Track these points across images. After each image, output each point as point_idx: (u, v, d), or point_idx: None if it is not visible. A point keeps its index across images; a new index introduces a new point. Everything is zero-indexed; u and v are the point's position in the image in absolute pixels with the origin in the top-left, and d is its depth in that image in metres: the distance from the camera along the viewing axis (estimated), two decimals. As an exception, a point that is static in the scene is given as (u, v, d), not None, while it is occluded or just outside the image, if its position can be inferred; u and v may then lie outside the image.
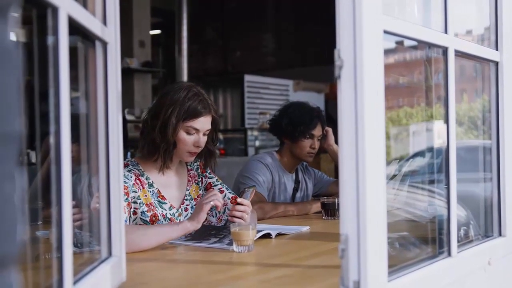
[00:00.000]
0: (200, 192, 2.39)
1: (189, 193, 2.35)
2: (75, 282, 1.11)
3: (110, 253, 1.39)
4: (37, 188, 2.02)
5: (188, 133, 2.19)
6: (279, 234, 2.20)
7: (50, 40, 1.04)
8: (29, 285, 1.15)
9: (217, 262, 1.76)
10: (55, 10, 1.01)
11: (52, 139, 1.03)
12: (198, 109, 2.18)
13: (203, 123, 2.21)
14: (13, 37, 0.58)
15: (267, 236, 2.12)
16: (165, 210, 2.23)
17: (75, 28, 1.14)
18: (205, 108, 2.20)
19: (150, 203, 2.19)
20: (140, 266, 1.73)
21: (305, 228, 2.36)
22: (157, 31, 10.26)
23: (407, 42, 1.56)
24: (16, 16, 0.60)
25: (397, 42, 1.49)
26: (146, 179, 2.23)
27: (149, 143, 2.21)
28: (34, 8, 1.00)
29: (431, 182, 1.96)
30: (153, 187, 2.23)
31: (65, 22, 1.03)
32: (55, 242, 1.05)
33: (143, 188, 2.19)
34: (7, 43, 0.56)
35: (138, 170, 2.21)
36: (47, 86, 1.04)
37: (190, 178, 2.38)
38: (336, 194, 2.94)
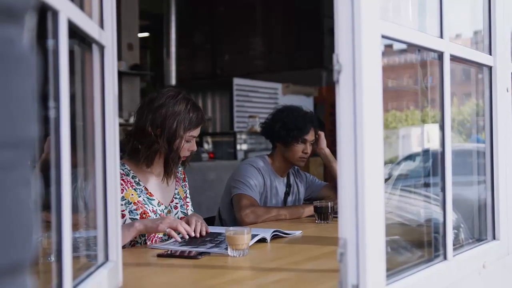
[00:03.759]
0: (185, 194, 2.51)
1: (178, 192, 2.45)
2: (73, 287, 1.10)
3: (107, 258, 1.38)
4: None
5: (188, 141, 2.32)
6: (275, 236, 2.20)
7: (49, 43, 1.03)
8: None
9: (212, 267, 1.75)
10: (55, 13, 1.00)
11: (52, 143, 1.02)
12: (199, 119, 2.33)
13: (199, 130, 2.36)
14: (28, 42, 0.58)
15: (261, 240, 2.12)
16: (155, 206, 2.29)
17: (73, 31, 1.13)
18: (203, 117, 2.36)
19: (138, 201, 2.25)
20: (136, 271, 1.72)
21: (298, 232, 2.36)
22: (146, 34, 10.24)
23: (396, 46, 1.57)
24: (33, 21, 0.60)
25: (386, 45, 1.50)
26: (132, 178, 2.29)
27: (153, 153, 2.27)
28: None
29: (423, 185, 1.97)
30: (140, 185, 2.30)
31: (65, 25, 1.03)
32: (54, 247, 1.04)
33: (128, 187, 2.25)
34: (22, 48, 0.56)
35: (123, 170, 2.24)
36: (45, 89, 1.03)
37: (177, 179, 2.48)
38: (328, 198, 2.95)
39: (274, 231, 2.21)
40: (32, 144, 0.58)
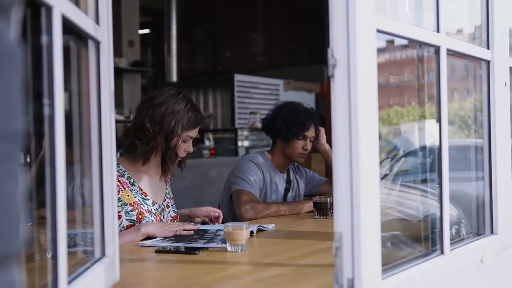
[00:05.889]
0: (172, 195, 2.54)
1: (168, 192, 2.48)
2: (69, 282, 1.10)
3: (103, 253, 1.39)
4: (28, 189, 2.02)
5: (184, 141, 2.33)
6: (259, 230, 2.25)
7: (43, 39, 1.03)
8: (22, 285, 1.15)
9: (210, 262, 1.76)
10: (49, 9, 1.00)
11: (46, 140, 1.02)
12: (197, 120, 2.34)
13: (197, 131, 2.38)
14: (15, 36, 0.58)
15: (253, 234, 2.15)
16: (149, 206, 2.32)
17: (68, 27, 1.13)
18: (202, 118, 2.38)
19: (134, 202, 2.27)
20: (133, 266, 1.72)
21: (271, 226, 2.39)
22: (146, 31, 10.24)
23: (398, 41, 1.57)
24: (19, 15, 0.60)
25: (387, 41, 1.49)
26: (127, 178, 2.31)
27: (150, 150, 2.29)
28: (28, 7, 0.99)
29: (423, 181, 1.97)
30: (135, 185, 2.32)
31: (59, 21, 1.03)
32: (49, 243, 1.05)
33: (125, 188, 2.26)
34: (9, 42, 0.56)
35: (118, 171, 2.25)
36: (40, 85, 1.03)
37: (168, 179, 2.51)
38: (328, 194, 2.95)
39: (258, 228, 2.25)
40: (20, 137, 0.58)
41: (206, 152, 6.65)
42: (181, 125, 2.28)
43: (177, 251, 1.89)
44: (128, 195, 2.26)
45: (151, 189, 2.37)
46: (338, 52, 1.19)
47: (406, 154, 2.47)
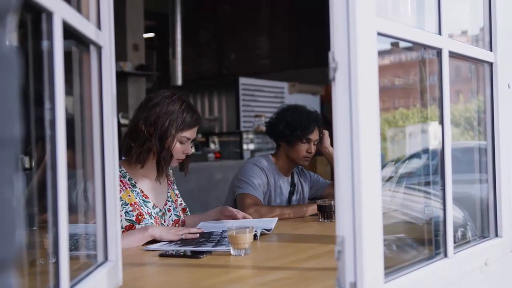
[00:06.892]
0: (176, 197, 2.54)
1: (170, 195, 2.48)
2: (71, 287, 1.10)
3: (106, 258, 1.39)
4: (32, 193, 2.03)
5: (181, 142, 2.33)
6: (262, 234, 2.24)
7: (44, 44, 1.03)
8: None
9: (214, 266, 1.76)
10: (49, 15, 1.01)
11: (47, 144, 1.03)
12: (193, 121, 2.34)
13: (194, 132, 2.37)
14: (11, 42, 0.58)
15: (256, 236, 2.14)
16: (150, 208, 2.33)
17: (69, 32, 1.14)
18: (198, 119, 2.37)
19: (134, 203, 2.28)
20: (136, 270, 1.72)
21: (273, 222, 2.40)
22: (151, 34, 10.24)
23: (402, 44, 1.57)
24: (14, 21, 0.61)
25: (392, 44, 1.49)
26: (129, 180, 2.32)
27: (146, 151, 2.30)
28: (28, 12, 1.00)
29: (427, 183, 1.96)
30: (136, 187, 2.33)
31: (60, 27, 1.03)
32: (50, 247, 1.05)
33: (126, 188, 2.29)
34: (5, 48, 0.56)
35: (120, 172, 2.26)
36: (41, 90, 1.04)
37: (169, 182, 2.52)
38: (332, 197, 2.94)
39: (261, 232, 2.23)
40: (17, 143, 0.58)
41: (211, 155, 6.65)
42: (175, 126, 2.28)
43: (180, 255, 1.89)
44: (129, 195, 2.27)
45: (152, 192, 2.37)
46: (339, 55, 1.19)
47: (411, 157, 2.46)
